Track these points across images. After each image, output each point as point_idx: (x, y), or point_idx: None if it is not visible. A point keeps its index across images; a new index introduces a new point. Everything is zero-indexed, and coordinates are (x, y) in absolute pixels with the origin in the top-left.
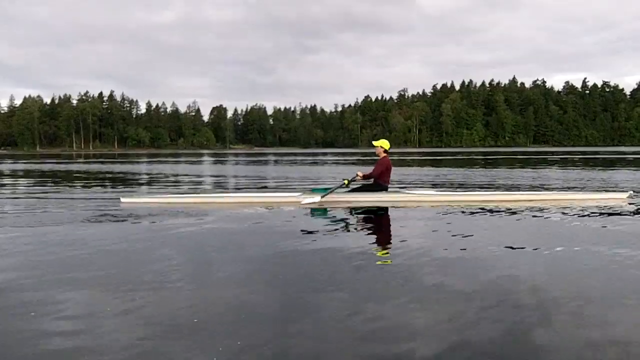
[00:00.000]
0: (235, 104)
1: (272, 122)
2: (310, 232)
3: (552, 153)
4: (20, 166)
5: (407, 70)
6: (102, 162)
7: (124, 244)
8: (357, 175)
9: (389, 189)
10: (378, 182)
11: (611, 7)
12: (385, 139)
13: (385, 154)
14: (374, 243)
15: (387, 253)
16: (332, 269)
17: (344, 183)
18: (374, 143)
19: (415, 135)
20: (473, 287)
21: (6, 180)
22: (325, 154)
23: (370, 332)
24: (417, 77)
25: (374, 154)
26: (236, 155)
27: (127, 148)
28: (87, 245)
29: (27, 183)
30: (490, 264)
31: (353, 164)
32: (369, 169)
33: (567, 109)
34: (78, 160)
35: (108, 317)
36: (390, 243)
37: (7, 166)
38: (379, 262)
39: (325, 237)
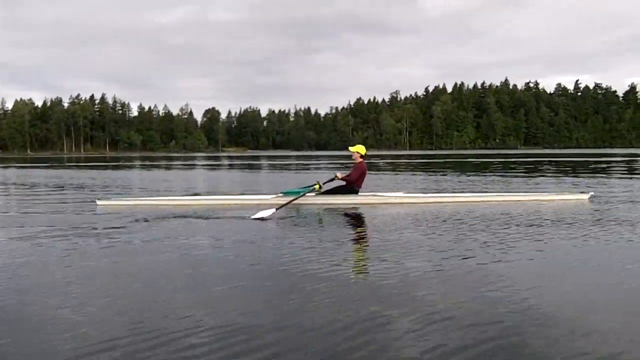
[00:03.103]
0: (240, 105)
1: (265, 125)
2: (280, 236)
3: (537, 156)
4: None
5: (412, 72)
6: (84, 168)
7: (99, 250)
8: (335, 176)
9: (360, 192)
10: (352, 185)
11: (619, 9)
12: (376, 141)
13: (361, 159)
14: (346, 249)
15: (361, 260)
16: (300, 277)
17: (315, 187)
18: (350, 149)
19: (406, 137)
20: (445, 292)
21: None
22: (318, 157)
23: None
24: (422, 78)
25: (364, 156)
26: (230, 158)
27: (118, 151)
28: (60, 250)
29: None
30: (461, 266)
31: (347, 167)
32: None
33: (558, 111)
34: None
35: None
36: (363, 246)
37: None
38: (350, 271)
39: (293, 240)
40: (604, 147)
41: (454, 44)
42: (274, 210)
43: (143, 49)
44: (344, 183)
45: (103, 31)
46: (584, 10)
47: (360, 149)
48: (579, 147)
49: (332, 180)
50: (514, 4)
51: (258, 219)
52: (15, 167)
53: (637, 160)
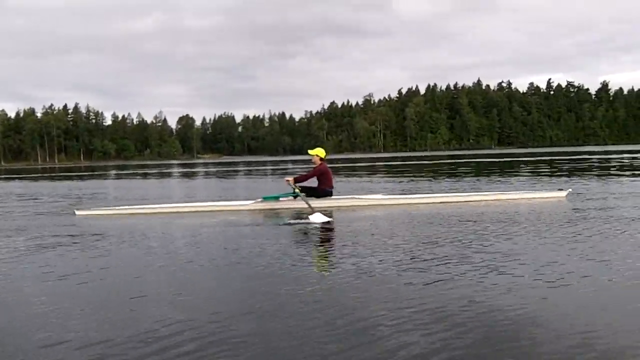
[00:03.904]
0: (214, 112)
1: (240, 130)
2: (262, 241)
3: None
4: None
5: (387, 75)
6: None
7: (78, 259)
8: (286, 181)
9: (338, 195)
10: (322, 187)
11: (588, 10)
12: (350, 144)
13: (321, 162)
14: (321, 254)
15: (329, 261)
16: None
17: (297, 191)
18: (310, 152)
19: (380, 140)
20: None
21: None
22: (295, 161)
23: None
24: (397, 82)
25: (337, 160)
26: (205, 165)
27: (93, 160)
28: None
29: None
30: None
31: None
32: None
33: (531, 110)
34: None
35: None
36: (334, 250)
37: None
38: (323, 272)
39: (272, 245)
40: (578, 145)
41: (428, 47)
42: (317, 213)
43: (116, 57)
44: (314, 185)
45: (74, 40)
46: (553, 14)
47: (319, 152)
48: (553, 146)
49: (295, 185)
50: (485, 9)
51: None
52: None
53: (610, 158)
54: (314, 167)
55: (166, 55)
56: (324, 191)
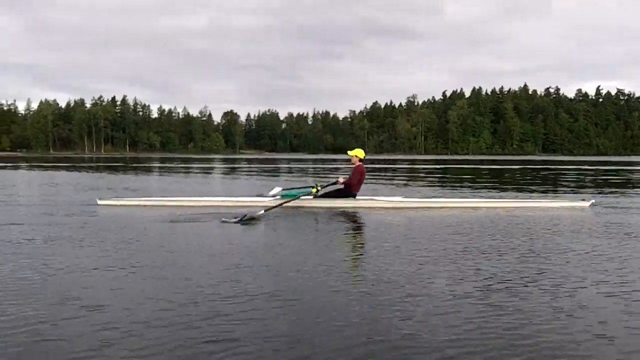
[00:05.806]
0: (259, 108)
1: (283, 127)
2: (271, 240)
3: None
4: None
5: (432, 78)
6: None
7: (95, 247)
8: (337, 181)
9: (357, 196)
10: (349, 189)
11: None
12: (391, 145)
13: (360, 163)
14: (335, 255)
15: (354, 264)
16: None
17: (312, 191)
18: (349, 153)
19: (421, 141)
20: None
21: None
22: (335, 160)
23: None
24: (442, 85)
25: (378, 160)
26: (248, 161)
27: (138, 151)
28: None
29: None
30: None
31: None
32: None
33: (578, 117)
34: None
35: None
36: (352, 252)
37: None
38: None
39: (283, 245)
40: (626, 155)
41: (474, 51)
42: (262, 211)
43: (165, 53)
44: (342, 186)
45: (127, 35)
46: (603, 21)
47: (359, 153)
48: (599, 154)
49: (334, 184)
50: (536, 13)
51: (245, 220)
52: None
53: None
54: (353, 168)
55: (214, 52)
56: (349, 193)
